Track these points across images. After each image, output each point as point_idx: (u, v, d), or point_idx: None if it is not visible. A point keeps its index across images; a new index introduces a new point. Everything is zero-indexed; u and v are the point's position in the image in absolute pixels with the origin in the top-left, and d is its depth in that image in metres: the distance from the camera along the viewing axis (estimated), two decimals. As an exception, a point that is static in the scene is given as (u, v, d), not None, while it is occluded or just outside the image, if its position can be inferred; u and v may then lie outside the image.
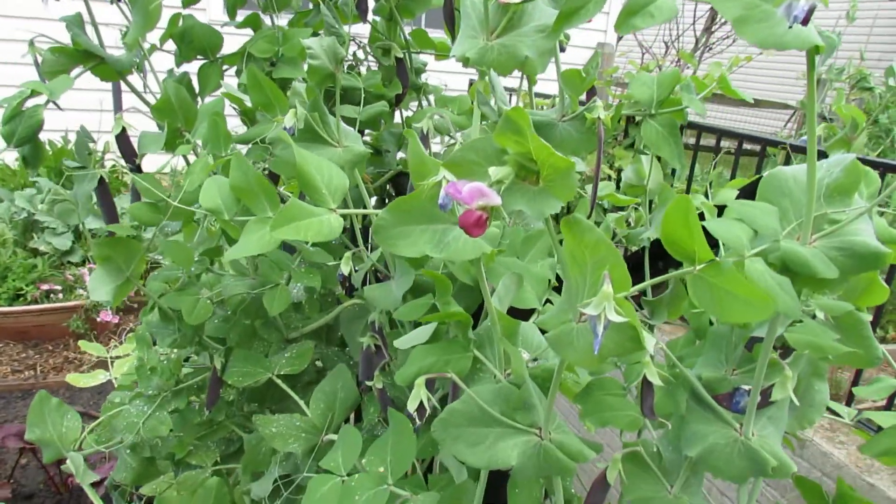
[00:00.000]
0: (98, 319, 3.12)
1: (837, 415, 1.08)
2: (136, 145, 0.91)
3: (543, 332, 0.73)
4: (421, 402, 0.57)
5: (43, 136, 0.82)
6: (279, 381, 1.11)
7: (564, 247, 0.48)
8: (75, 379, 1.61)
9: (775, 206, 0.55)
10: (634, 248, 1.09)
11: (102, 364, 1.63)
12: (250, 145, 0.89)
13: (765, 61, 6.41)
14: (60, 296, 3.27)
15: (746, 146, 2.59)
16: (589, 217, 0.86)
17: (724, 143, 2.71)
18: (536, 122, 0.76)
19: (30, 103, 0.81)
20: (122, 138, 0.87)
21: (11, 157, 3.85)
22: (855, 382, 2.24)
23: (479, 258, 0.59)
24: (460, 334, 0.68)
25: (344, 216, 0.59)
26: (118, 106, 0.98)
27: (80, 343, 1.71)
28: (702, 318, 0.79)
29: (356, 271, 1.04)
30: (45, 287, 3.25)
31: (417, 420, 0.57)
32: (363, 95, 1.02)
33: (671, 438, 0.69)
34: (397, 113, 1.28)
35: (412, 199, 0.53)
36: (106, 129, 0.99)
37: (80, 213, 0.91)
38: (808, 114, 0.47)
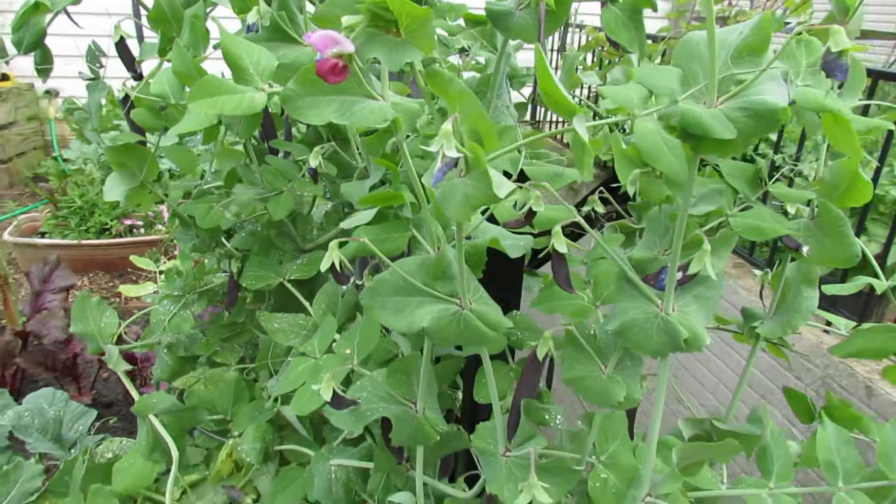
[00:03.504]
0: (175, 252, 3.36)
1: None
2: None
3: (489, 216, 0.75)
4: (343, 267, 0.60)
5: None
6: (289, 286, 1.18)
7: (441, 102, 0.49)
8: (127, 289, 1.77)
9: (682, 70, 0.54)
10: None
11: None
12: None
13: (869, -12, 5.83)
14: (142, 230, 3.53)
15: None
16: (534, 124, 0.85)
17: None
18: (494, 12, 0.76)
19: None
20: (122, 46, 0.94)
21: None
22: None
23: (388, 130, 0.61)
24: (401, 215, 0.71)
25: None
26: (140, 34, 1.04)
27: (132, 258, 1.87)
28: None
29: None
30: (128, 222, 3.51)
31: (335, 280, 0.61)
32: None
33: (607, 321, 0.70)
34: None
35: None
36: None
37: (92, 119, 0.99)
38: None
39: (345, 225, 0.72)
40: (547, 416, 0.83)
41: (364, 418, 0.73)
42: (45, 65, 0.91)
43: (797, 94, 0.58)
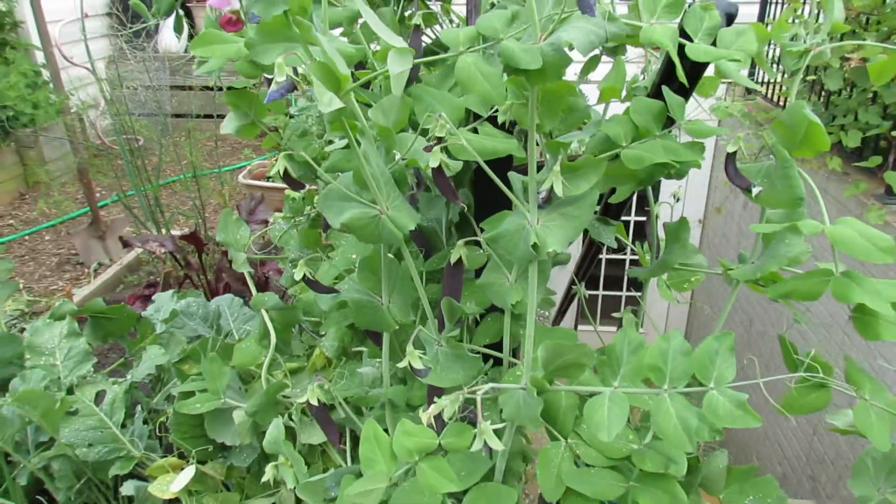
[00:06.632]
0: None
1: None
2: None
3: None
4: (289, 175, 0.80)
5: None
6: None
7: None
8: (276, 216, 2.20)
9: (521, 13, 0.64)
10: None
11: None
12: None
13: None
14: (342, 180, 4.06)
15: None
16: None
17: None
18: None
19: None
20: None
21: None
22: None
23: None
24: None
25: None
26: None
27: (286, 192, 2.28)
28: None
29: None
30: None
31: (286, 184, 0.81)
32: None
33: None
34: None
35: (274, 22, 0.75)
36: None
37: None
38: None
39: (328, 148, 0.91)
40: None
41: (337, 299, 0.93)
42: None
43: (641, 32, 0.64)
